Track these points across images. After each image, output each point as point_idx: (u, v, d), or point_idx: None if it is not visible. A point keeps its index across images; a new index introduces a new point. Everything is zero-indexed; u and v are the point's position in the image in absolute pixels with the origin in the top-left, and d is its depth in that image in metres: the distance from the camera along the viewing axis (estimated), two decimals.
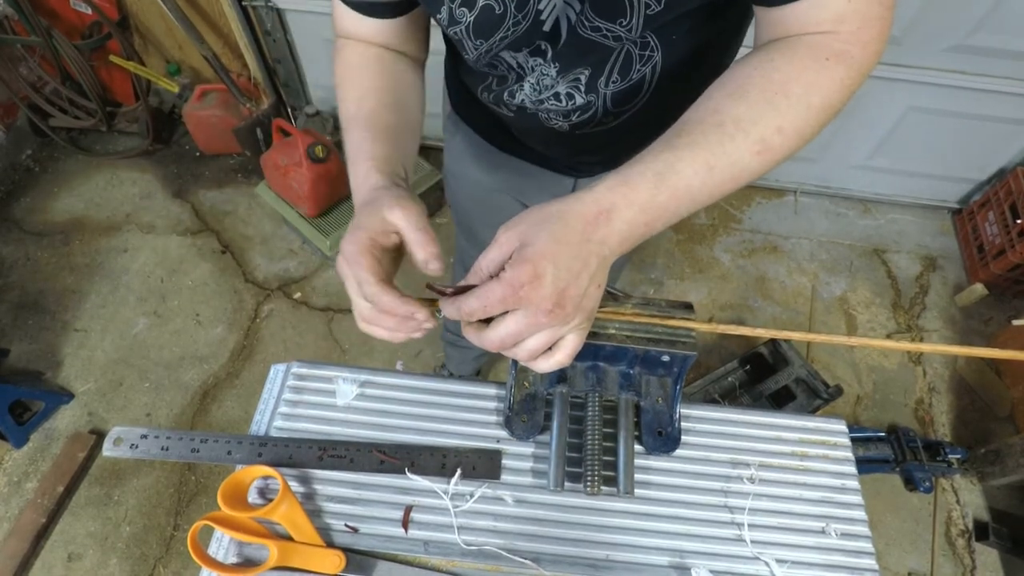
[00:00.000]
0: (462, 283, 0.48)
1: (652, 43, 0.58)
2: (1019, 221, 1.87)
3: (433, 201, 2.12)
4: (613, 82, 0.63)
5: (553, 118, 0.70)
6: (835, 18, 0.47)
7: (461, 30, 0.57)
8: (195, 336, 1.87)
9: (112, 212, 2.13)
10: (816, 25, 0.48)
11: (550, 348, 0.49)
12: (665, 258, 2.11)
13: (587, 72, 0.62)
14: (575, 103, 0.66)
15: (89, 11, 1.92)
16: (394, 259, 0.53)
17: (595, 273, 0.45)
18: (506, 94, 0.69)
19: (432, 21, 0.65)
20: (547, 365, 0.49)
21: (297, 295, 1.97)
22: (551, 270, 0.42)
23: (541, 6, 0.54)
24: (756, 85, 0.48)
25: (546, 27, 0.57)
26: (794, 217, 2.25)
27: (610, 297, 0.59)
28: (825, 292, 2.06)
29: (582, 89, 0.64)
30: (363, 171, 0.56)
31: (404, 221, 0.50)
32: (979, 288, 1.97)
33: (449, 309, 0.47)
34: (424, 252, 0.49)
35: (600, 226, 0.44)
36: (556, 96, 0.66)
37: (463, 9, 0.55)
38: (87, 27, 2.01)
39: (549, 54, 0.60)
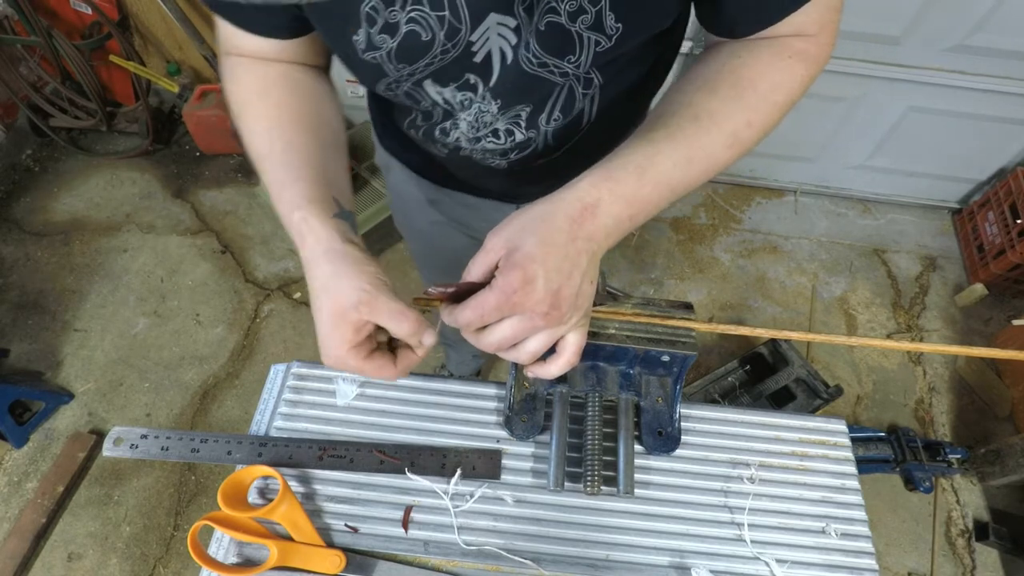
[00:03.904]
0: (461, 283, 0.48)
1: (595, 80, 0.57)
2: (1019, 221, 1.87)
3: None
4: (555, 119, 0.61)
5: (489, 158, 0.67)
6: (796, 28, 0.49)
7: (381, 55, 0.51)
8: (195, 336, 1.87)
9: (112, 212, 2.13)
10: (778, 32, 0.50)
11: (553, 350, 0.49)
12: (665, 258, 2.11)
13: (528, 109, 0.59)
14: (515, 140, 0.62)
15: (89, 11, 1.92)
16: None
17: (586, 270, 0.45)
18: (437, 131, 0.64)
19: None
20: (556, 368, 0.49)
21: (297, 295, 1.97)
22: (542, 273, 0.42)
23: (474, 37, 0.50)
24: (726, 81, 0.50)
25: (477, 58, 0.52)
26: (794, 217, 2.25)
27: (610, 297, 0.59)
28: (825, 292, 2.06)
29: (523, 125, 0.61)
30: (303, 229, 0.48)
31: (383, 319, 0.46)
32: (979, 288, 1.97)
33: (447, 318, 0.47)
34: (414, 339, 0.47)
35: (586, 222, 0.44)
36: (495, 133, 0.62)
37: (384, 36, 0.49)
38: (87, 27, 2.01)
39: (480, 89, 0.56)
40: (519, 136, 0.62)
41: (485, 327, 0.46)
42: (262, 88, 0.56)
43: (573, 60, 0.52)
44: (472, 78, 0.55)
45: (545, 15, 0.48)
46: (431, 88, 0.56)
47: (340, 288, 0.46)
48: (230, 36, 0.56)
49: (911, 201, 2.25)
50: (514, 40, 0.51)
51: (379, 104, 0.72)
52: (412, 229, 0.99)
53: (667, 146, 0.47)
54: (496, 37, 0.51)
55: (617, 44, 0.50)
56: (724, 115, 0.48)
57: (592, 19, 0.48)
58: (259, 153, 0.54)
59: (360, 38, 0.49)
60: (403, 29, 0.48)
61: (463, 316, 0.45)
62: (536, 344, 0.46)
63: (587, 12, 0.47)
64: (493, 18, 0.49)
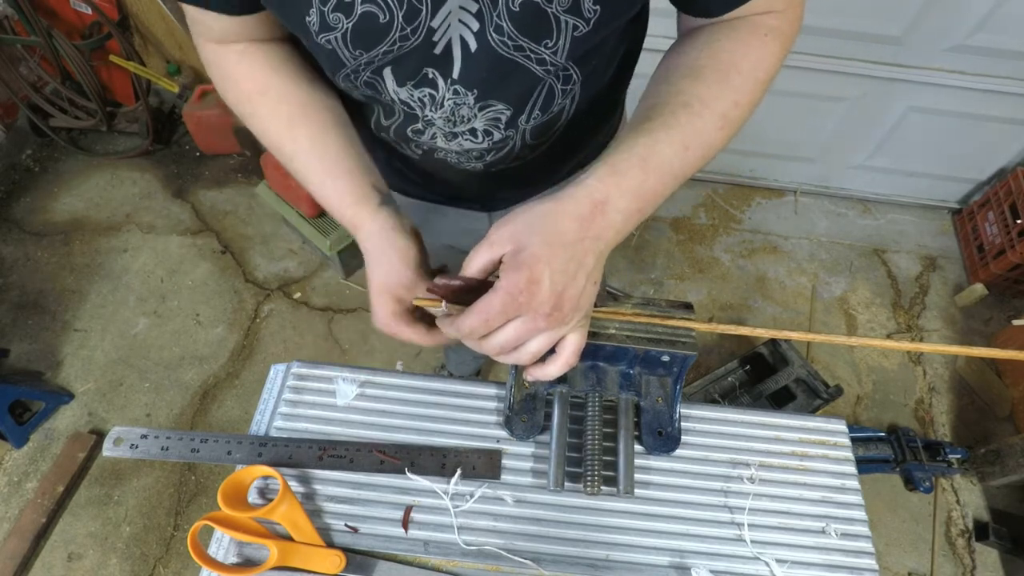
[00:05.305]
0: (466, 277, 0.47)
1: (574, 75, 0.56)
2: (1019, 221, 1.86)
3: None
4: (534, 118, 0.60)
5: (465, 161, 0.65)
6: (767, 5, 0.50)
7: (336, 38, 0.49)
8: (195, 336, 1.87)
9: (112, 212, 2.13)
10: (751, 11, 0.51)
11: (553, 351, 0.49)
12: (665, 258, 2.11)
13: (509, 112, 0.57)
14: (493, 139, 0.61)
15: (89, 11, 1.92)
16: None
17: (591, 271, 0.45)
18: (410, 131, 0.62)
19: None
20: (555, 369, 0.49)
21: (297, 295, 1.97)
22: (547, 273, 0.42)
23: (435, 22, 0.48)
24: (709, 65, 0.50)
25: (437, 49, 0.50)
26: (794, 217, 2.25)
27: (610, 297, 0.59)
28: (825, 292, 2.06)
29: (502, 127, 0.60)
30: (356, 223, 0.57)
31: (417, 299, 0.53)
32: (979, 288, 1.97)
33: (450, 329, 0.47)
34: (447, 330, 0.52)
35: (596, 221, 0.44)
36: (473, 133, 0.60)
37: (338, 15, 0.47)
38: (87, 27, 2.01)
39: (441, 84, 0.54)
40: (497, 136, 0.61)
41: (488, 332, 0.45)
42: (261, 86, 0.57)
43: (550, 45, 0.50)
44: (431, 72, 0.53)
45: None
46: (390, 82, 0.54)
47: (386, 270, 0.55)
48: (195, 21, 0.55)
49: (911, 201, 2.25)
50: (476, 26, 0.49)
51: (345, 107, 0.71)
52: None
53: (664, 135, 0.47)
54: (457, 24, 0.49)
55: (595, 28, 0.50)
56: (713, 98, 0.49)
57: (569, 1, 0.47)
58: (284, 152, 0.58)
59: (313, 19, 0.48)
60: (359, 9, 0.47)
61: (467, 323, 0.44)
62: (537, 345, 0.46)
63: None
64: (455, 0, 0.47)
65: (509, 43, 0.50)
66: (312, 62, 0.60)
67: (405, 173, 0.76)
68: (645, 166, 0.46)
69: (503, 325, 0.44)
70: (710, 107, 0.49)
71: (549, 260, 0.42)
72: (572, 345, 0.48)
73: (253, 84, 0.57)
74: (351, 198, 0.56)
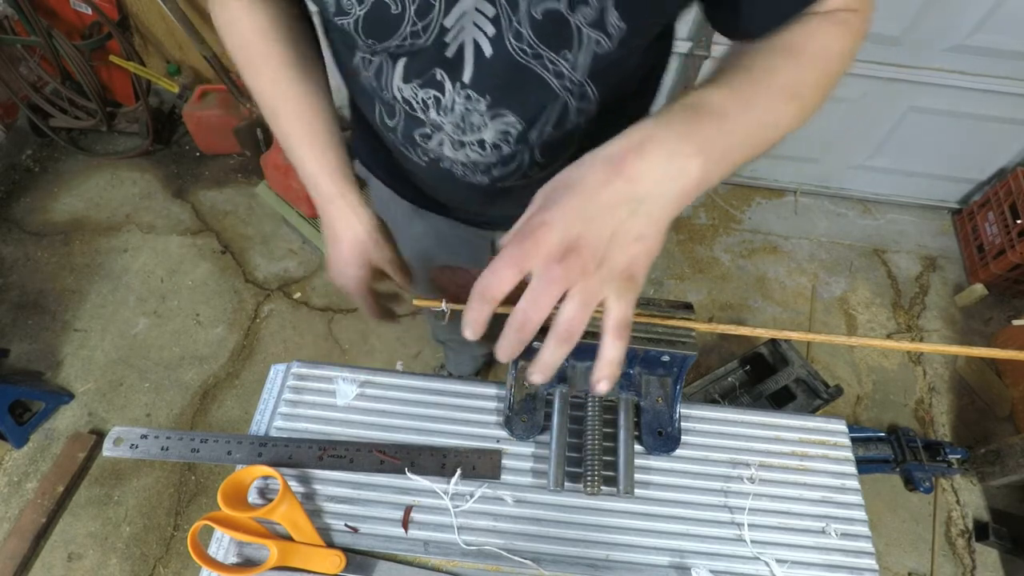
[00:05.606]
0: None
1: (591, 94, 0.54)
2: (1019, 221, 1.87)
3: None
4: (546, 134, 0.58)
5: (471, 173, 0.63)
6: (845, 1, 0.47)
7: (349, 23, 0.49)
8: (195, 336, 1.87)
9: (112, 212, 2.13)
10: (828, 8, 0.48)
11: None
12: (665, 258, 2.11)
13: (520, 127, 0.56)
14: (501, 153, 0.59)
15: (89, 11, 1.92)
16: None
17: (626, 220, 0.37)
18: (418, 135, 0.61)
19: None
20: (611, 348, 0.39)
21: (297, 295, 1.97)
22: (560, 217, 0.37)
23: (448, 21, 0.47)
24: (774, 45, 0.46)
25: (449, 51, 0.50)
26: (794, 217, 2.25)
27: None
28: (825, 292, 2.06)
29: (512, 141, 0.58)
30: (336, 183, 0.62)
31: (385, 260, 0.65)
32: (979, 288, 1.97)
33: (468, 316, 0.39)
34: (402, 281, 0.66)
35: (628, 162, 0.37)
36: (481, 144, 0.58)
37: (352, 0, 0.47)
38: (87, 27, 2.01)
39: (448, 87, 0.53)
40: (506, 150, 0.59)
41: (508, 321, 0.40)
42: (261, 38, 0.59)
43: (570, 58, 0.49)
44: (439, 74, 0.52)
45: (541, 2, 0.45)
46: (398, 75, 0.54)
47: (367, 226, 0.62)
48: None
49: (911, 201, 2.25)
50: (492, 31, 0.47)
51: (353, 105, 0.71)
52: (399, 239, 0.98)
53: (721, 91, 0.42)
54: (472, 27, 0.47)
55: (618, 46, 0.48)
56: (778, 69, 0.44)
57: (595, 15, 0.45)
58: (275, 110, 0.61)
59: (330, 0, 0.48)
60: None
61: (479, 284, 0.38)
62: (571, 308, 0.37)
63: (589, 5, 0.45)
64: (470, 2, 0.46)
65: (528, 50, 0.49)
66: (311, 20, 0.64)
67: (411, 182, 0.75)
68: (695, 111, 0.40)
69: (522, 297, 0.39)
70: (775, 75, 0.44)
71: (564, 205, 0.37)
72: (611, 313, 0.39)
73: (254, 35, 0.59)
74: (330, 169, 0.61)
